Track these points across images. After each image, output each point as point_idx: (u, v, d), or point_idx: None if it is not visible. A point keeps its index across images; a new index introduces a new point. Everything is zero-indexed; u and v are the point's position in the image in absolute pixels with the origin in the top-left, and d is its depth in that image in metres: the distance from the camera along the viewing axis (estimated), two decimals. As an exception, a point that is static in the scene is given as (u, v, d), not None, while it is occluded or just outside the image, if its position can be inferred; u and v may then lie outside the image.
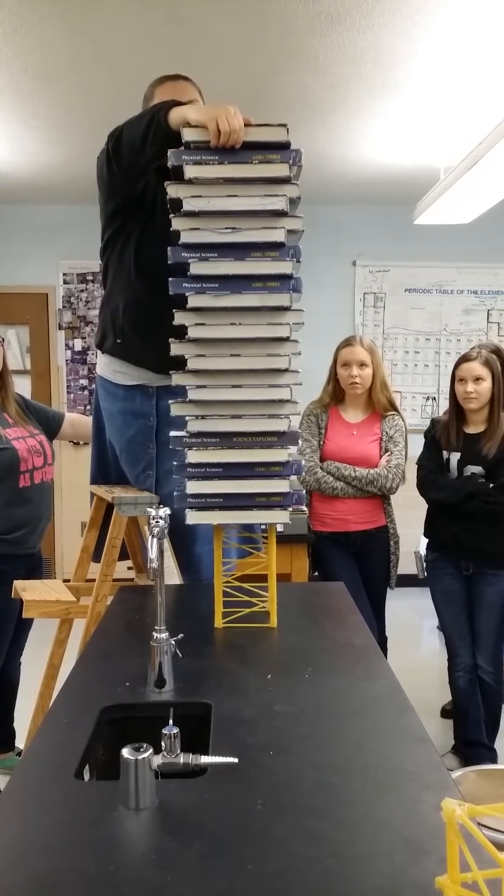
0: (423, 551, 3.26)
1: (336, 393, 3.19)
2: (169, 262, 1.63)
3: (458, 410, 2.95)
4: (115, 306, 2.15)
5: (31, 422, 2.78)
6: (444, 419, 3.01)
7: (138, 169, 1.94)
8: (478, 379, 2.85)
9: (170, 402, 1.67)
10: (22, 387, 5.42)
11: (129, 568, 2.50)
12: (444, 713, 3.44)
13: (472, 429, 2.94)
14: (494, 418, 2.89)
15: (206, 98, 3.66)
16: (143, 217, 2.10)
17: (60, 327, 5.54)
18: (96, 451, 2.34)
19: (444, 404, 3.14)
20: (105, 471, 2.33)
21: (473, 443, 2.91)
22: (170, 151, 1.63)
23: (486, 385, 2.86)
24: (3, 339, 2.74)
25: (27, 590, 2.24)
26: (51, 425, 2.86)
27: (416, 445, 3.14)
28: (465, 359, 2.90)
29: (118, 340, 2.15)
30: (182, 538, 2.09)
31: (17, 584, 2.30)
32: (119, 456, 2.25)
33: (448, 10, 2.73)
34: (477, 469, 2.88)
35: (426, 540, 3.15)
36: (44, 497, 2.72)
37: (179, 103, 1.77)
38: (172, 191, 1.61)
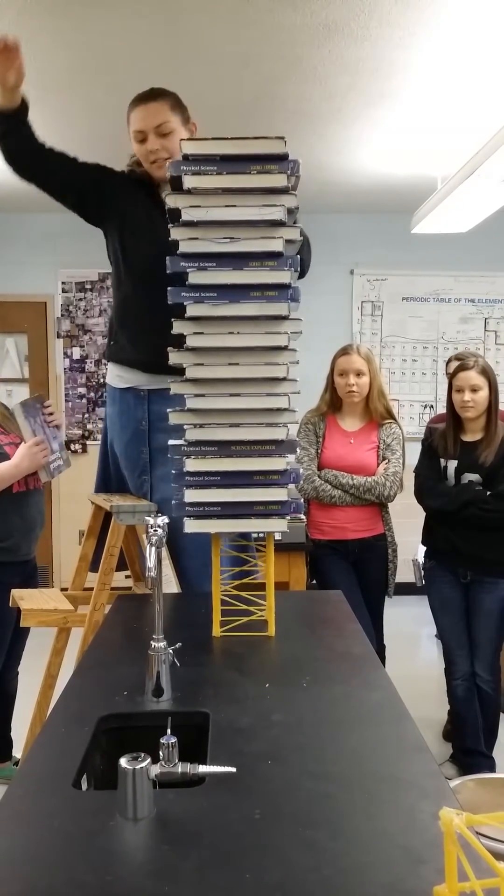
0: (420, 559, 3.26)
1: (333, 401, 3.20)
2: (168, 271, 1.63)
3: (455, 419, 2.96)
4: (112, 310, 2.24)
5: (16, 430, 2.77)
6: (442, 427, 3.01)
7: (8, 154, 2.07)
8: (475, 388, 2.86)
9: (168, 410, 1.68)
10: (20, 396, 5.45)
11: (126, 577, 2.50)
12: (447, 735, 3.32)
13: (470, 437, 2.94)
14: (491, 426, 2.90)
15: (203, 107, 3.68)
16: (116, 216, 2.15)
17: (59, 336, 5.54)
18: (101, 461, 2.39)
19: (441, 412, 3.14)
20: (107, 481, 2.36)
21: (470, 451, 2.91)
22: (168, 162, 1.64)
23: (483, 394, 2.87)
24: None
25: (25, 598, 2.24)
26: None
27: (414, 453, 3.14)
28: (462, 368, 2.91)
29: (111, 343, 2.22)
30: (170, 551, 2.11)
31: (15, 592, 2.30)
32: (120, 462, 2.28)
33: (445, 21, 2.74)
34: (474, 477, 2.88)
35: (424, 548, 3.16)
36: (36, 503, 2.72)
37: None
38: (171, 201, 1.62)
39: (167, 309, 1.62)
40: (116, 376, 2.23)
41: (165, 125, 2.04)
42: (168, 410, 1.68)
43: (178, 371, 1.67)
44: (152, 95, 2.07)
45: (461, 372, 2.90)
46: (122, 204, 2.15)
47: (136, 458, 2.22)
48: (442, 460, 2.97)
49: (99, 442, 3.01)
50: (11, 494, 2.58)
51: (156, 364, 1.90)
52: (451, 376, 2.96)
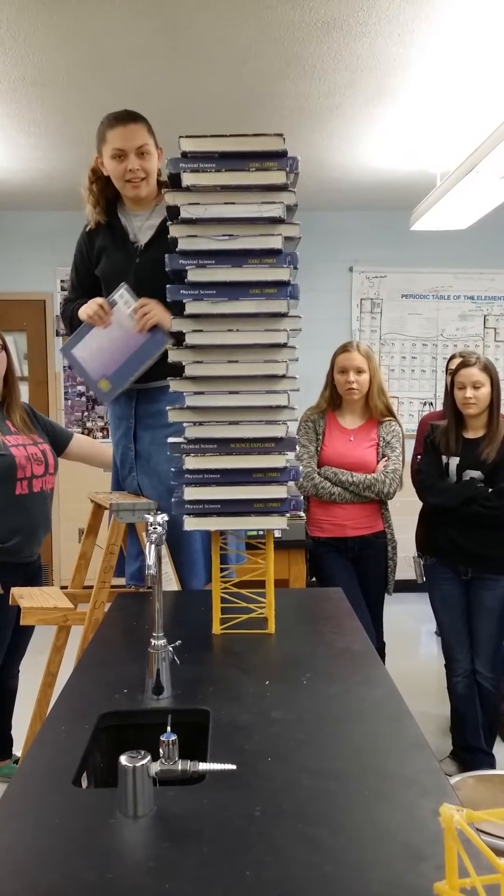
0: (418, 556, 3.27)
1: (333, 399, 3.20)
2: (166, 268, 1.63)
3: (457, 416, 2.95)
4: None
5: (37, 431, 2.76)
6: (444, 424, 3.01)
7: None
8: (477, 385, 2.86)
9: (168, 408, 1.68)
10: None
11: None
12: None
13: (472, 434, 2.94)
14: (493, 423, 2.90)
15: (202, 104, 3.69)
16: (99, 269, 2.32)
17: (58, 334, 5.54)
18: (114, 460, 2.44)
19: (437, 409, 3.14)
20: (118, 481, 2.40)
21: (472, 448, 2.91)
22: (168, 160, 1.64)
23: (485, 391, 2.87)
24: (3, 343, 2.73)
25: (25, 597, 2.24)
26: (58, 442, 2.85)
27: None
28: (464, 364, 2.91)
29: None
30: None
31: (15, 591, 2.30)
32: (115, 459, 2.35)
33: (444, 17, 2.74)
34: (476, 474, 2.88)
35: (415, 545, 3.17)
36: (41, 506, 2.69)
37: None
38: (170, 198, 1.62)
39: None
40: None
41: (146, 146, 2.12)
42: (168, 408, 1.68)
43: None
44: (132, 117, 2.13)
45: (463, 369, 2.90)
46: (100, 257, 2.31)
47: (125, 455, 2.30)
48: (444, 457, 2.97)
49: (99, 440, 3.05)
50: (15, 496, 2.57)
51: (142, 379, 2.18)
52: (454, 373, 2.96)
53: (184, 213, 1.61)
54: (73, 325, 2.33)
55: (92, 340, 2.21)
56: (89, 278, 2.35)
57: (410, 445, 3.25)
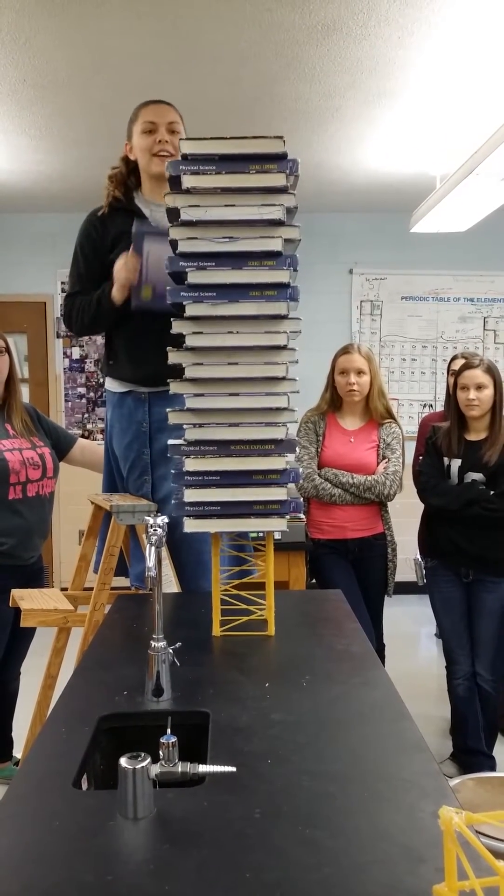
0: (419, 558, 3.27)
1: (334, 400, 3.20)
2: (167, 271, 1.64)
3: (459, 417, 2.96)
4: (109, 331, 2.32)
5: (38, 434, 2.75)
6: (446, 426, 3.01)
7: (88, 330, 2.36)
8: (480, 386, 2.86)
9: (168, 410, 1.68)
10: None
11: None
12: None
13: (474, 436, 2.94)
14: (496, 425, 2.90)
15: (202, 107, 3.70)
16: (114, 256, 2.25)
17: (58, 336, 5.54)
18: (107, 465, 2.42)
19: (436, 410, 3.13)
20: (114, 482, 2.38)
21: (474, 450, 2.91)
22: (168, 162, 1.64)
23: (488, 393, 2.87)
24: (6, 346, 2.72)
25: (25, 598, 2.24)
26: (60, 447, 2.84)
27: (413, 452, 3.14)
28: (467, 366, 2.91)
29: (110, 362, 2.32)
30: (168, 547, 2.16)
31: (15, 592, 2.30)
32: (120, 464, 2.31)
33: (443, 20, 2.74)
34: (478, 476, 2.88)
35: (418, 548, 3.16)
36: (38, 510, 2.68)
37: None
38: (170, 200, 1.62)
39: (166, 330, 1.66)
40: (115, 381, 2.32)
41: (176, 124, 2.21)
42: (168, 410, 1.68)
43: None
44: (163, 101, 2.24)
45: (466, 370, 2.90)
46: (116, 242, 2.28)
47: (137, 459, 2.27)
48: (446, 459, 2.97)
49: (98, 441, 3.02)
50: (8, 500, 2.57)
51: (153, 380, 2.17)
52: (457, 374, 2.96)
53: (184, 216, 1.61)
54: (99, 312, 2.23)
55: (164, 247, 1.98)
56: (97, 263, 2.30)
57: (410, 447, 3.25)
